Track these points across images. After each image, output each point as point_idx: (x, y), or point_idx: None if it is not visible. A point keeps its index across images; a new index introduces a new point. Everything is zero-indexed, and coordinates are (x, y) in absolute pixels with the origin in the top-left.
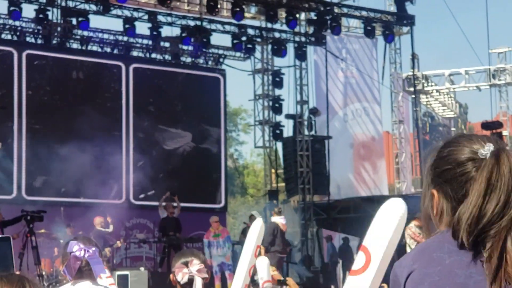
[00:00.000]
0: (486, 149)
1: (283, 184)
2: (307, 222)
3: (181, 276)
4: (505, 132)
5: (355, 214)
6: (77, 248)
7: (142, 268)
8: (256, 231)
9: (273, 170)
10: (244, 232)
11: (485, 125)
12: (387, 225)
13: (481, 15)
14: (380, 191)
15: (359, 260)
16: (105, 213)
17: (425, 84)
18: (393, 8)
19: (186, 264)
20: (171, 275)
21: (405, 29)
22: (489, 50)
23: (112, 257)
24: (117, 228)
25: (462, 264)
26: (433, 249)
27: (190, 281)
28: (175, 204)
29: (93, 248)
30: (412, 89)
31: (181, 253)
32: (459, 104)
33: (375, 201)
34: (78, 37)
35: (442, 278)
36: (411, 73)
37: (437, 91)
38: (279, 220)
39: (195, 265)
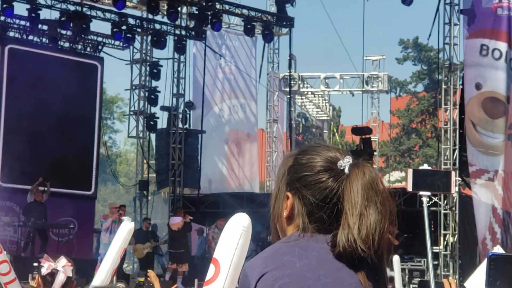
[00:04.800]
0: (346, 161)
1: (154, 175)
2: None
3: (46, 267)
4: (374, 138)
5: (224, 209)
6: None
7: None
8: (124, 233)
9: (145, 161)
10: None
11: (355, 130)
12: (232, 238)
13: (358, 22)
14: (252, 188)
15: (210, 271)
16: None
17: (301, 85)
18: (273, 9)
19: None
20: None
21: (285, 30)
22: (364, 57)
23: None
24: None
25: (311, 267)
26: (284, 253)
27: (52, 274)
28: (43, 188)
29: None
30: (287, 89)
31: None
32: (332, 107)
33: (244, 198)
34: None
35: (292, 281)
36: (288, 74)
37: (312, 93)
38: (170, 220)
39: (62, 261)
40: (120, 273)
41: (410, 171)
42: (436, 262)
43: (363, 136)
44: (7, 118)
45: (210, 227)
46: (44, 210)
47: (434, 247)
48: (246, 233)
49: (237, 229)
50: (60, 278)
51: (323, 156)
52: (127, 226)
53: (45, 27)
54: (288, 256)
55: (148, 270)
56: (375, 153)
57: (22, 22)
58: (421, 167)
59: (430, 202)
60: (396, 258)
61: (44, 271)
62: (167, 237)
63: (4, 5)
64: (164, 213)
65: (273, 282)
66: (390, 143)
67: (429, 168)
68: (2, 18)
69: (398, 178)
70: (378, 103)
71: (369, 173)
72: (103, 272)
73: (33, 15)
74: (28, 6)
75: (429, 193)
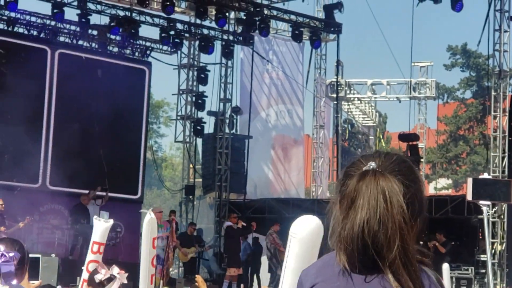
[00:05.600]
0: (365, 168)
1: (200, 180)
2: (221, 220)
3: (103, 273)
4: (421, 145)
5: (269, 214)
6: None
7: (53, 255)
8: (148, 225)
9: (191, 165)
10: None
11: (402, 136)
12: (287, 246)
13: (406, 28)
14: (297, 193)
15: None
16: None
17: (348, 92)
18: (321, 15)
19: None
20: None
21: (332, 36)
22: (412, 63)
23: (23, 240)
24: (31, 213)
25: (358, 279)
26: (334, 263)
27: (109, 280)
28: (101, 193)
29: (11, 254)
30: (334, 95)
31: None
32: (379, 114)
33: (290, 204)
34: (5, 18)
35: None
36: (335, 80)
37: (358, 99)
38: None
39: (115, 269)
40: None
41: (470, 180)
42: (483, 271)
43: (410, 143)
44: (56, 123)
45: (269, 232)
46: (88, 213)
47: (482, 255)
48: (300, 239)
49: (289, 237)
50: (115, 286)
51: (359, 163)
52: (147, 219)
53: (94, 32)
54: (338, 267)
55: (196, 276)
56: (422, 160)
57: (73, 27)
58: (481, 176)
59: (489, 212)
60: (445, 267)
61: (101, 277)
62: (212, 242)
63: (55, 11)
64: (210, 218)
65: None
66: (437, 150)
67: (489, 177)
68: (53, 23)
69: (445, 185)
70: (425, 110)
71: (358, 178)
72: (145, 264)
73: (83, 20)
74: (78, 12)
75: (489, 203)
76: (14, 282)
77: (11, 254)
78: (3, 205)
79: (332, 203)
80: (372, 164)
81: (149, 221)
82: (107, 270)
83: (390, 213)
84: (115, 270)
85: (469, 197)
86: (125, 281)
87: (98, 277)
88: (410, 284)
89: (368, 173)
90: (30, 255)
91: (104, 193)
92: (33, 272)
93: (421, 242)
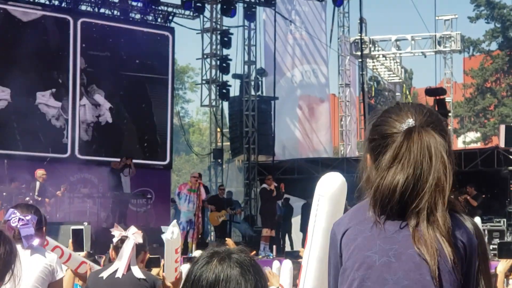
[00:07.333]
0: (404, 126)
1: (228, 143)
2: (251, 182)
3: (116, 235)
4: (448, 99)
5: (299, 175)
6: (12, 217)
7: (85, 223)
8: (169, 243)
9: (218, 129)
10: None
11: (429, 91)
12: (312, 206)
13: None
14: (326, 152)
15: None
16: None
17: (372, 49)
18: None
19: (124, 229)
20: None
21: None
22: (436, 17)
23: (55, 210)
24: (61, 182)
25: (391, 225)
26: (367, 209)
27: (123, 241)
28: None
29: (28, 217)
30: (359, 53)
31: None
32: (404, 70)
33: (320, 163)
34: None
35: (373, 234)
36: (359, 37)
37: (383, 56)
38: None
39: (132, 229)
40: (199, 242)
41: (502, 127)
42: None
43: (437, 97)
44: (82, 92)
45: None
46: (120, 180)
47: (510, 207)
48: (329, 197)
49: (315, 197)
50: (129, 245)
51: (391, 121)
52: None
53: (116, 0)
54: (370, 211)
55: (226, 239)
56: (449, 114)
57: None
58: None
59: None
60: (478, 220)
61: (115, 240)
62: (243, 205)
63: None
64: (239, 181)
65: (355, 236)
66: (464, 103)
67: None
68: None
69: (474, 139)
70: (451, 63)
71: (403, 136)
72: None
73: None
74: None
75: None
76: (36, 242)
77: (28, 217)
78: (46, 175)
79: (364, 160)
80: (410, 121)
81: (171, 239)
82: (120, 233)
83: (432, 167)
84: (131, 230)
85: (501, 144)
86: (140, 241)
87: (113, 241)
88: (437, 236)
89: (413, 130)
90: (73, 227)
91: (130, 167)
92: (78, 243)
93: (452, 196)
